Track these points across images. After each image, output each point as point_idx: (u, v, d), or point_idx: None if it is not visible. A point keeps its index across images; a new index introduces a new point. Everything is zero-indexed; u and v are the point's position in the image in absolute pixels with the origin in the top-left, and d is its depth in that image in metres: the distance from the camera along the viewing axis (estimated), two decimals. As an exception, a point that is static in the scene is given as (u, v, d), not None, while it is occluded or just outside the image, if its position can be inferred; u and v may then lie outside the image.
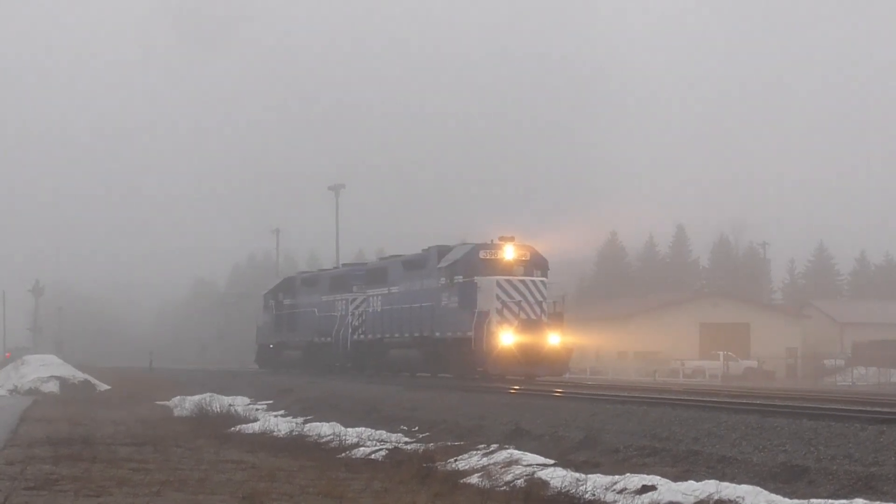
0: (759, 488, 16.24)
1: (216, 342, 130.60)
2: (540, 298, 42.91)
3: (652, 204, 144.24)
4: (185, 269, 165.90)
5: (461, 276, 43.86)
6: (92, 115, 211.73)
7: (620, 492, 17.13)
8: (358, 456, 23.06)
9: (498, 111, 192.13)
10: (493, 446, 22.48)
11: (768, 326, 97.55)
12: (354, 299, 54.60)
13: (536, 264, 44.23)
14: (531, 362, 42.15)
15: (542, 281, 43.36)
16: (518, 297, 42.56)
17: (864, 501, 14.96)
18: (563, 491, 17.15)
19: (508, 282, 42.74)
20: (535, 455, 21.01)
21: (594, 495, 16.92)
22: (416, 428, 28.32)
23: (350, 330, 54.69)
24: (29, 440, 26.76)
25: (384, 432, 27.34)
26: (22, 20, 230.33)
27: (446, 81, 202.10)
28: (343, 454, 23.52)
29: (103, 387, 57.79)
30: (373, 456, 22.81)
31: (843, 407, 24.85)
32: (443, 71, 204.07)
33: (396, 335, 49.50)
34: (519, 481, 18.42)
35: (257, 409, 38.43)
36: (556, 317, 43.27)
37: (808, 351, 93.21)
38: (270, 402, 41.76)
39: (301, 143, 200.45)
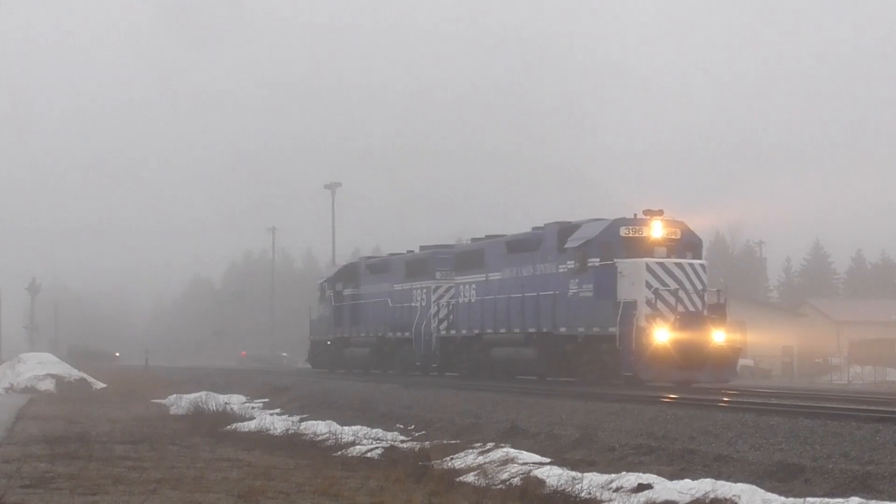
0: (755, 487, 16.25)
1: (212, 340, 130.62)
2: (700, 286, 35.40)
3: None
4: (182, 268, 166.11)
5: (597, 259, 36.20)
6: (88, 112, 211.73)
7: (616, 490, 17.13)
8: (354, 454, 23.06)
9: (498, 110, 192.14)
10: (489, 445, 22.50)
11: (764, 325, 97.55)
12: (438, 287, 47.85)
13: (689, 244, 36.83)
14: (692, 366, 34.49)
15: (701, 265, 35.93)
16: (674, 285, 34.98)
17: (860, 500, 14.96)
18: (559, 489, 17.15)
19: (661, 265, 35.18)
20: (531, 453, 21.03)
21: (590, 494, 16.92)
22: (413, 426, 28.32)
23: (435, 324, 47.61)
24: (25, 438, 26.75)
25: (380, 430, 27.35)
26: (17, 19, 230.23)
27: (445, 80, 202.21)
28: (339, 452, 23.52)
29: (99, 385, 57.73)
30: (369, 454, 22.81)
31: (840, 406, 24.87)
32: (442, 69, 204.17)
33: (502, 330, 41.26)
34: (515, 480, 18.42)
35: (253, 408, 38.45)
36: (718, 309, 35.77)
37: (805, 349, 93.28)
38: (266, 400, 41.76)
39: (297, 141, 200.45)
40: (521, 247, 41.00)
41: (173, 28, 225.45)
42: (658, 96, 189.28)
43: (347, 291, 56.77)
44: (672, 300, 34.69)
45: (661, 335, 34.09)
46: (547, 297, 38.41)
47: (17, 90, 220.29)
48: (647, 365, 34.02)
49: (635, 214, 36.42)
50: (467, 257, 45.09)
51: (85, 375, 59.73)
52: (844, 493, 15.57)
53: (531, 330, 39.31)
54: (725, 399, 27.70)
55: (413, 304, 49.27)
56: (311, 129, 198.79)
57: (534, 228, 40.90)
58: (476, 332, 43.23)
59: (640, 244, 36.00)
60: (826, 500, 15.21)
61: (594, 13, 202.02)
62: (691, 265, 35.51)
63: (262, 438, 26.73)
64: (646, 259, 35.24)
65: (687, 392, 32.13)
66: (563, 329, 37.56)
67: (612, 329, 34.88)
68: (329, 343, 58.26)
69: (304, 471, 20.18)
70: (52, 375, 58.41)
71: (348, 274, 57.68)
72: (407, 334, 49.14)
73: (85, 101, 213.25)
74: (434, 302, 47.61)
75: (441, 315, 47.14)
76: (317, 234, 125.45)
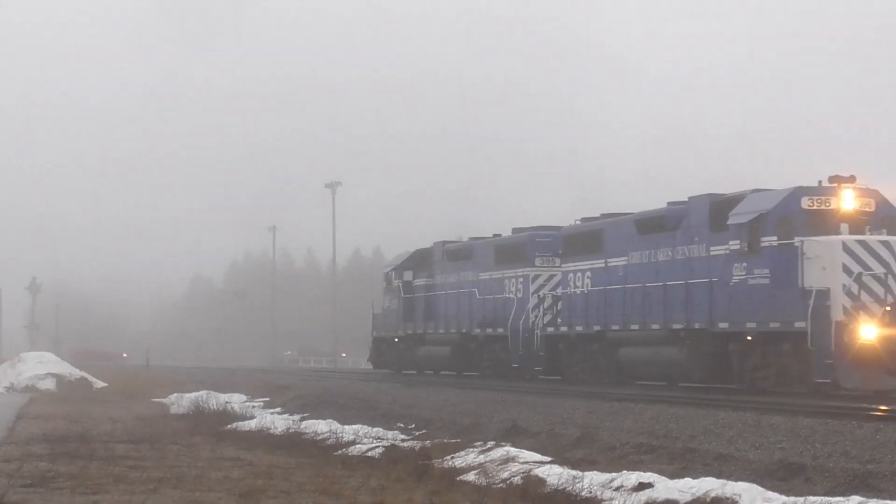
0: (755, 486, 16.24)
1: (213, 339, 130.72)
2: None
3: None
4: (182, 267, 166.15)
5: (773, 237, 29.81)
6: (87, 111, 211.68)
7: (617, 489, 17.13)
8: (354, 453, 23.06)
9: (497, 109, 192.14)
10: (490, 443, 22.49)
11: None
12: (538, 276, 42.05)
13: (885, 218, 30.05)
14: None
15: None
16: (881, 269, 28.44)
17: (861, 499, 14.96)
18: (560, 488, 17.15)
19: (863, 244, 28.63)
20: (532, 452, 21.02)
21: (591, 492, 16.91)
22: (413, 425, 28.32)
23: (534, 318, 41.48)
24: (26, 437, 26.74)
25: (381, 430, 27.35)
26: (16, 16, 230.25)
27: (444, 78, 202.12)
28: (340, 451, 23.51)
29: (100, 384, 57.74)
30: (369, 453, 22.80)
31: (840, 404, 24.87)
32: (441, 67, 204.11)
33: (634, 327, 35.16)
34: (515, 479, 18.42)
35: (254, 407, 38.44)
36: None
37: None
38: (267, 399, 41.75)
39: (297, 140, 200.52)
40: (655, 226, 34.91)
41: (173, 26, 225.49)
42: (664, 88, 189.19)
43: (419, 281, 50.43)
44: (880, 289, 28.23)
45: (868, 332, 27.74)
46: (699, 285, 32.29)
47: (16, 88, 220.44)
48: (848, 370, 27.63)
49: (820, 182, 30.25)
50: (579, 240, 38.90)
51: (86, 375, 59.76)
52: (845, 492, 15.56)
53: (676, 326, 33.22)
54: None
55: (506, 296, 43.07)
56: (311, 128, 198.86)
57: (669, 203, 34.83)
58: (597, 328, 36.97)
59: (827, 218, 29.72)
60: (827, 498, 15.21)
61: (595, 5, 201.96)
62: None
63: (262, 437, 26.73)
64: (841, 237, 28.97)
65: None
66: (723, 325, 31.31)
67: (798, 324, 28.56)
68: (397, 340, 51.79)
69: (304, 470, 20.18)
70: (53, 374, 58.44)
71: (420, 261, 51.02)
72: (500, 331, 42.98)
73: (85, 99, 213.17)
74: (533, 293, 41.86)
75: (543, 308, 41.03)
76: (317, 234, 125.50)
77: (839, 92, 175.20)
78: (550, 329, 39.88)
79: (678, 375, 33.72)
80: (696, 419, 22.79)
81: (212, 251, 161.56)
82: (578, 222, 40.15)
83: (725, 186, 33.89)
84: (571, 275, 38.84)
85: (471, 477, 19.06)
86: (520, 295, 42.27)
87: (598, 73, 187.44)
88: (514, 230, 45.04)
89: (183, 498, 16.79)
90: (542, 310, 40.96)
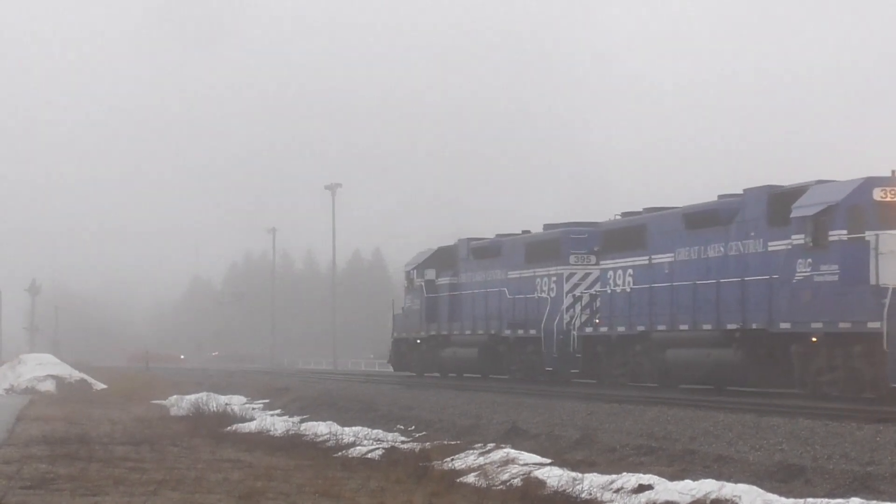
0: (755, 487, 16.26)
1: (213, 341, 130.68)
2: None
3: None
4: (182, 269, 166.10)
5: (843, 231, 27.99)
6: (86, 113, 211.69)
7: (617, 491, 17.14)
8: (354, 455, 23.06)
9: (498, 108, 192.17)
10: (490, 445, 22.49)
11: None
12: (572, 274, 39.99)
13: None
14: None
15: None
16: None
17: (861, 500, 14.97)
18: (560, 490, 17.15)
19: None
20: (532, 454, 21.02)
21: (591, 494, 16.92)
22: (413, 427, 28.33)
23: (568, 319, 39.52)
24: (26, 439, 26.74)
25: (380, 431, 27.36)
26: (15, 21, 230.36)
27: (445, 78, 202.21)
28: (339, 453, 23.52)
29: (100, 386, 57.75)
30: (369, 455, 22.81)
31: (840, 406, 24.87)
32: (441, 67, 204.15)
33: (683, 327, 33.20)
34: (515, 480, 18.42)
35: (254, 409, 38.46)
36: None
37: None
38: (267, 401, 41.76)
39: (297, 142, 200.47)
40: (705, 220, 33.07)
41: (173, 29, 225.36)
42: (657, 97, 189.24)
43: (443, 280, 48.19)
44: None
45: None
46: (757, 283, 30.46)
47: (16, 92, 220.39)
48: None
49: (893, 172, 28.38)
50: (620, 236, 36.96)
51: (85, 376, 59.78)
52: (845, 494, 15.58)
53: (731, 326, 31.36)
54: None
55: (539, 296, 40.94)
56: (311, 131, 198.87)
57: (720, 196, 33.28)
58: (641, 329, 34.94)
59: None
60: (827, 500, 15.22)
61: (591, 15, 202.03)
62: None
63: (262, 439, 26.73)
64: None
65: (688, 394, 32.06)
66: (784, 325, 29.23)
67: (872, 325, 26.49)
68: (419, 341, 49.59)
69: (304, 472, 20.18)
70: (53, 376, 58.46)
71: (444, 259, 48.74)
72: (533, 332, 40.67)
73: (84, 102, 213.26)
74: (567, 292, 39.83)
75: (579, 308, 39.28)
76: (317, 235, 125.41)
77: (838, 102, 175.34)
78: (588, 330, 37.80)
79: (732, 379, 31.76)
80: (696, 421, 22.81)
81: (211, 253, 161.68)
82: (618, 217, 38.23)
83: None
84: (611, 272, 37.02)
85: (470, 479, 19.07)
86: (553, 294, 40.35)
87: (596, 81, 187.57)
88: (546, 226, 42.92)
89: (183, 500, 16.80)
90: (578, 310, 39.19)
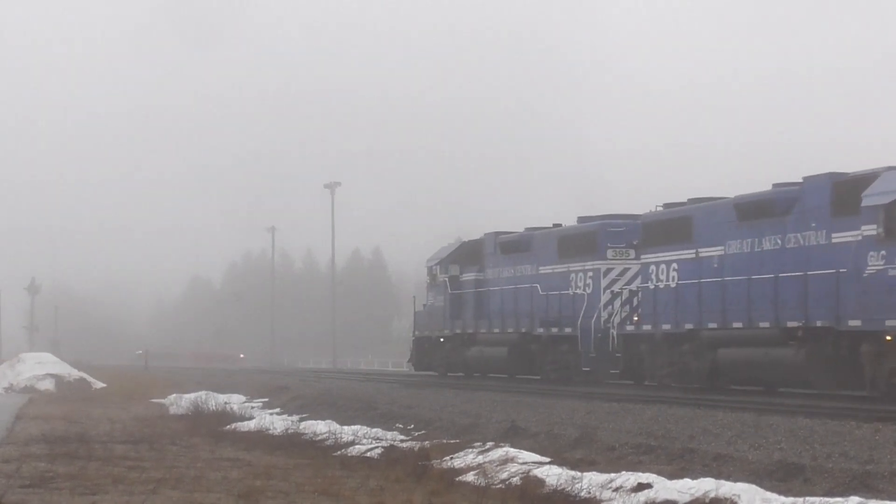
0: (754, 486, 16.25)
1: (212, 341, 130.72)
2: None
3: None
4: (181, 268, 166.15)
5: None
6: (86, 111, 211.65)
7: (616, 490, 17.13)
8: (353, 454, 23.06)
9: (498, 107, 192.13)
10: (489, 444, 22.49)
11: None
12: (609, 270, 38.30)
13: None
14: None
15: None
16: None
17: (860, 499, 14.96)
18: (559, 489, 17.15)
19: None
20: (531, 453, 21.02)
21: (590, 493, 16.91)
22: (412, 426, 28.33)
23: (606, 316, 37.71)
24: (25, 438, 26.75)
25: (380, 430, 27.35)
26: (15, 21, 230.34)
27: (444, 78, 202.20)
28: (339, 452, 23.51)
29: (99, 385, 57.75)
30: (368, 454, 22.80)
31: (839, 405, 24.88)
32: (441, 66, 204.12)
33: (737, 325, 31.13)
34: (514, 479, 18.41)
35: (253, 407, 38.44)
36: None
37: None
38: (266, 400, 41.76)
39: (296, 141, 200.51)
40: (760, 210, 30.92)
41: (172, 29, 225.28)
42: (657, 97, 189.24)
43: (468, 276, 46.27)
44: None
45: None
46: (822, 277, 28.31)
47: (15, 91, 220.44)
48: None
49: None
50: (663, 228, 34.91)
51: (84, 375, 59.79)
52: (844, 493, 15.57)
53: (792, 324, 29.27)
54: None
55: (574, 292, 39.19)
56: (310, 129, 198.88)
57: (776, 185, 31.20)
58: (688, 327, 32.83)
59: None
60: (826, 499, 15.21)
61: (592, 15, 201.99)
62: None
63: (261, 438, 26.73)
64: None
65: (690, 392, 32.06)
66: (854, 322, 27.33)
67: None
68: (442, 340, 47.58)
69: (303, 470, 20.19)
70: (52, 375, 58.47)
71: (469, 253, 46.82)
72: (568, 330, 38.92)
73: (84, 102, 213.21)
74: (605, 288, 38.08)
75: (618, 305, 37.47)
76: (316, 234, 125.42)
77: (838, 102, 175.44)
78: (630, 328, 35.77)
79: (791, 380, 30.03)
80: (695, 420, 22.82)
81: (211, 252, 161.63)
82: (659, 208, 36.19)
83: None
84: (653, 267, 34.94)
85: (470, 477, 19.06)
86: (589, 290, 38.51)
87: (596, 81, 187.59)
88: (580, 219, 40.94)
89: (182, 498, 16.80)
90: (617, 307, 37.37)
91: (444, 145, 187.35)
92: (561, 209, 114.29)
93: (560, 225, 42.32)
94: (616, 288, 37.88)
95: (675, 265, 33.99)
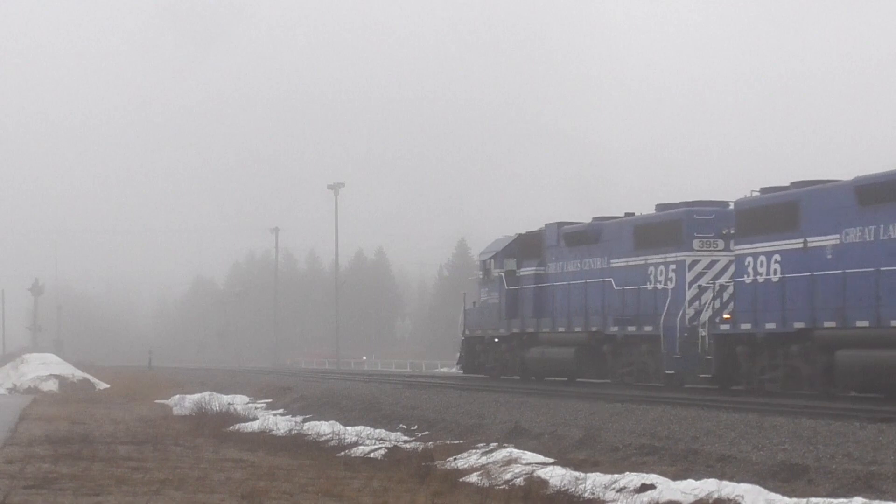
0: (758, 487, 16.24)
1: (216, 341, 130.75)
2: None
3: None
4: (185, 269, 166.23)
5: None
6: (89, 113, 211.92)
7: (620, 490, 17.13)
8: (357, 454, 23.07)
9: (501, 108, 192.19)
10: (493, 445, 22.49)
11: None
12: (696, 262, 34.62)
13: None
14: None
15: None
16: None
17: (864, 500, 14.96)
18: (563, 489, 17.16)
19: None
20: (535, 454, 21.02)
21: (593, 494, 16.92)
22: (416, 426, 28.32)
23: (700, 314, 33.75)
24: (28, 439, 26.77)
25: (383, 431, 27.36)
26: (18, 23, 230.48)
27: (448, 79, 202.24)
28: (342, 453, 23.52)
29: (102, 385, 57.81)
30: (372, 454, 22.81)
31: (843, 406, 24.85)
32: (444, 68, 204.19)
33: (862, 324, 27.21)
34: (518, 480, 18.42)
35: (256, 408, 38.46)
36: None
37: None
38: (269, 400, 41.76)
39: (300, 142, 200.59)
40: (887, 194, 27.03)
41: (176, 30, 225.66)
42: (662, 96, 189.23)
43: (527, 270, 42.45)
44: None
45: None
46: None
47: (17, 92, 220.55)
48: None
49: None
50: (760, 215, 30.94)
51: (88, 376, 59.88)
52: (848, 494, 15.56)
53: None
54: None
55: (655, 287, 35.65)
56: (314, 130, 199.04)
57: None
58: (798, 326, 28.98)
59: None
60: (829, 500, 15.21)
61: (596, 15, 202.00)
62: None
63: (265, 439, 26.74)
64: None
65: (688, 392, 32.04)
66: None
67: None
68: (497, 340, 43.96)
69: (307, 471, 20.19)
70: (55, 376, 58.55)
71: (527, 246, 42.86)
72: (648, 329, 35.22)
73: (87, 102, 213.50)
74: (691, 283, 34.51)
75: (707, 301, 33.51)
76: (320, 235, 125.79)
77: (841, 101, 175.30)
78: (725, 327, 31.63)
79: None
80: (699, 420, 22.79)
81: (214, 252, 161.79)
82: (756, 193, 31.97)
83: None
84: (749, 259, 30.96)
85: (473, 478, 19.06)
86: (672, 285, 34.90)
87: (599, 80, 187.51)
88: (659, 206, 37.09)
89: (185, 499, 16.81)
90: (706, 303, 33.44)
91: (447, 146, 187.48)
92: (561, 209, 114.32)
93: (632, 214, 38.42)
94: (703, 282, 34.27)
95: (776, 256, 30.13)
